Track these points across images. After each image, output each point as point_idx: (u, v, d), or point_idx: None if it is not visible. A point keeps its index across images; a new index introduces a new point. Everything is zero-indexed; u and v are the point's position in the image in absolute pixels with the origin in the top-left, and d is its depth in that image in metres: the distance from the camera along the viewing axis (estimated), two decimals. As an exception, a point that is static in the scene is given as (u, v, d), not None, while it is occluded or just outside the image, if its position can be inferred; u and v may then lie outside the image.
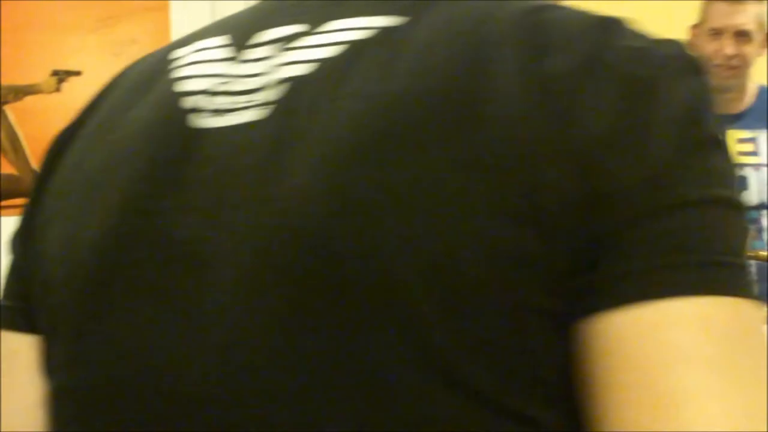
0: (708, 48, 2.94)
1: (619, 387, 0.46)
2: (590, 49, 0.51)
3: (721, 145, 0.52)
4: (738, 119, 3.06)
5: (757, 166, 3.05)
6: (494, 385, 0.47)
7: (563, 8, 0.56)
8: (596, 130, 0.48)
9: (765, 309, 1.41)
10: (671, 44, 0.54)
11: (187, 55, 0.59)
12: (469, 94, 0.49)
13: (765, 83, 3.08)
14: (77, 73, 3.09)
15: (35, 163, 3.02)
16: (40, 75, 3.11)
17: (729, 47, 2.88)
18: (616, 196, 0.48)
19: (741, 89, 3.00)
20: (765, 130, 3.07)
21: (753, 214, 3.06)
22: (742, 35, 2.90)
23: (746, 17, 2.94)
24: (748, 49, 2.91)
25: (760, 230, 3.04)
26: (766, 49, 2.99)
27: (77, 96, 2.87)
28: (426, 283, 0.46)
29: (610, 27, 0.53)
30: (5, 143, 3.07)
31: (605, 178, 0.48)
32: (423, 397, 0.46)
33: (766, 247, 2.94)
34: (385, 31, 0.54)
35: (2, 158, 3.01)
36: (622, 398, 0.46)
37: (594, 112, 0.49)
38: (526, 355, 0.47)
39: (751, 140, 3.07)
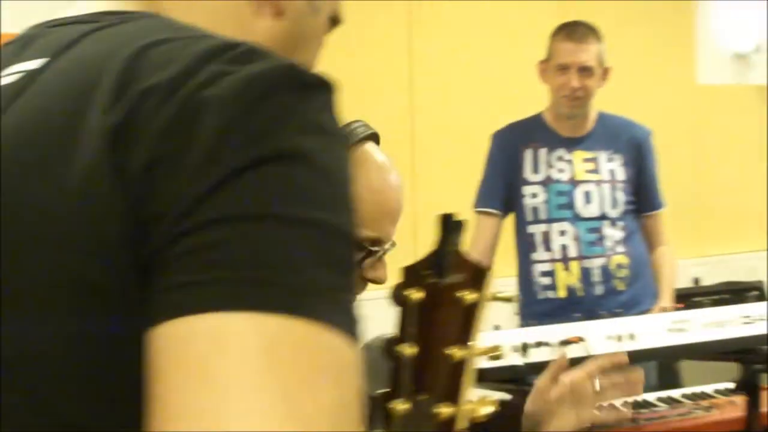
0: (556, 82, 3.32)
1: (151, 398, 0.50)
2: (169, 78, 0.54)
3: (293, 162, 0.54)
4: (582, 142, 3.43)
5: (598, 182, 3.39)
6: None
7: (188, 40, 0.59)
8: (143, 157, 0.52)
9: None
10: (265, 65, 0.56)
11: None
12: (62, 137, 0.56)
13: (604, 110, 3.52)
14: None
15: None
16: None
17: (574, 81, 3.25)
18: (157, 218, 0.52)
19: (584, 116, 3.38)
20: (603, 151, 3.45)
21: (594, 223, 3.44)
22: (585, 70, 3.28)
23: (588, 55, 3.32)
24: (590, 83, 3.30)
25: (600, 238, 3.42)
26: (605, 82, 3.40)
27: None
28: None
29: (212, 52, 0.56)
30: None
31: (148, 202, 0.52)
32: None
33: (604, 253, 3.41)
34: (29, 73, 0.62)
35: None
36: (151, 409, 0.50)
37: (146, 139, 0.52)
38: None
39: (593, 160, 3.42)
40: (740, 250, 5.43)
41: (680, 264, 4.97)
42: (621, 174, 3.40)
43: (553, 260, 3.37)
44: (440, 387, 0.83)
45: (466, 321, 0.83)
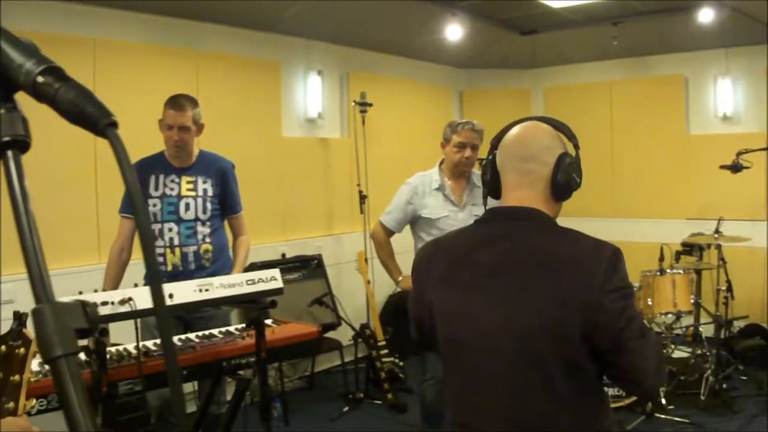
0: (165, 134, 4.04)
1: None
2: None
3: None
4: (187, 170, 4.19)
5: (195, 197, 4.14)
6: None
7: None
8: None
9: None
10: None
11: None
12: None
13: (206, 149, 4.31)
14: None
15: None
16: None
17: (175, 136, 4.02)
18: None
19: (189, 154, 4.16)
20: (200, 176, 4.19)
21: (190, 224, 4.14)
22: (183, 128, 4.04)
23: (185, 118, 4.04)
24: (187, 136, 4.07)
25: (195, 233, 4.14)
26: (201, 134, 4.17)
27: None
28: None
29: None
30: None
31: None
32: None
33: (197, 243, 4.10)
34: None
35: None
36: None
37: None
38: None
39: (193, 182, 4.17)
40: (311, 236, 7.00)
41: (272, 244, 6.40)
42: (210, 191, 4.22)
43: (164, 246, 4.14)
44: (9, 393, 1.30)
45: (21, 361, 1.32)
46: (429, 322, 2.07)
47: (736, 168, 6.19)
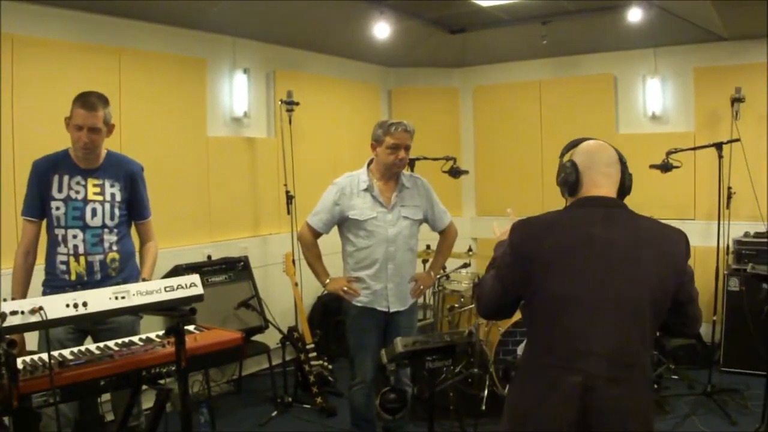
0: (75, 135, 3.88)
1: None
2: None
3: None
4: (93, 172, 4.04)
5: (102, 202, 4.02)
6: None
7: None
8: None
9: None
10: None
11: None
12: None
13: (112, 149, 4.13)
14: None
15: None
16: None
17: (84, 138, 3.86)
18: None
19: (96, 156, 3.99)
20: (108, 179, 4.06)
21: (97, 231, 4.01)
22: (93, 130, 3.87)
23: (96, 119, 3.88)
24: (97, 137, 3.91)
25: (101, 241, 4.00)
26: (111, 134, 3.99)
27: None
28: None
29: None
30: None
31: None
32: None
33: (103, 251, 3.94)
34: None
35: None
36: None
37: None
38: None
39: (101, 185, 4.04)
40: (237, 237, 6.96)
41: (197, 245, 6.40)
42: (119, 196, 4.08)
43: (68, 254, 3.98)
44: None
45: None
46: (535, 284, 2.57)
47: (665, 167, 6.27)
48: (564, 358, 2.51)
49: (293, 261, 6.35)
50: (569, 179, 2.73)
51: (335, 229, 4.74)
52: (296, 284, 6.35)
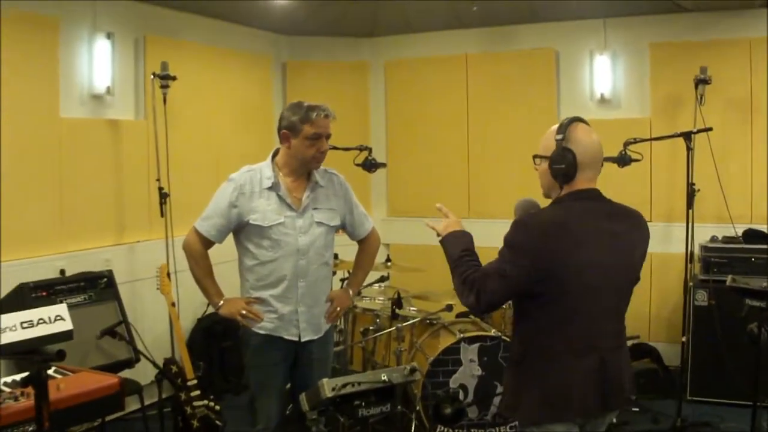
0: None
1: None
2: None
3: None
4: None
5: None
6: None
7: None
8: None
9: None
10: None
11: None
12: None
13: None
14: None
15: None
16: None
17: None
18: None
19: None
20: None
21: None
22: None
23: None
24: None
25: None
26: None
27: None
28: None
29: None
30: None
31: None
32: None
33: None
34: None
35: None
36: None
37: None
38: None
39: None
40: (98, 246, 6.86)
41: (47, 257, 6.33)
42: None
43: None
44: None
45: None
46: (555, 280, 3.26)
47: (623, 161, 6.28)
48: (583, 339, 3.35)
49: (168, 274, 6.26)
50: (570, 172, 3.38)
51: (231, 236, 4.73)
52: (173, 304, 6.24)
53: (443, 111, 8.81)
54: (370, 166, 6.57)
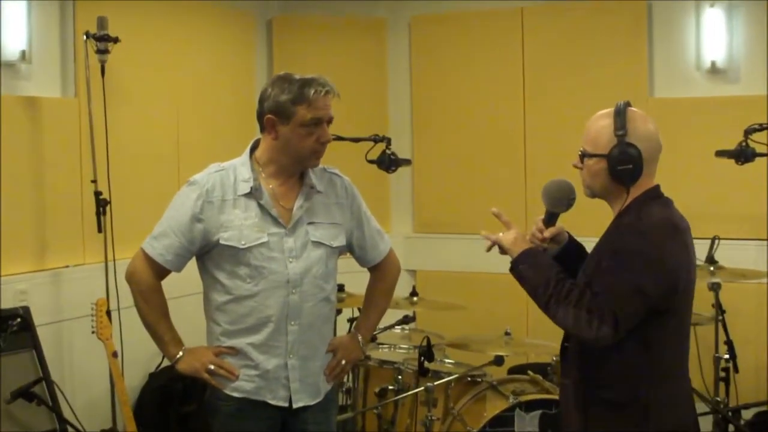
0: None
1: None
2: None
3: None
4: None
5: None
6: None
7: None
8: None
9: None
10: None
11: None
12: None
13: None
14: None
15: None
16: None
17: None
18: None
19: None
20: None
21: None
22: None
23: None
24: None
25: None
26: None
27: None
28: None
29: None
30: None
31: None
32: None
33: None
34: None
35: None
36: None
37: None
38: None
39: None
40: (10, 273, 6.76)
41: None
42: None
43: None
44: None
45: None
46: (681, 292, 3.78)
47: (744, 155, 6.18)
48: (685, 363, 3.92)
49: (109, 313, 6.29)
50: (636, 174, 3.81)
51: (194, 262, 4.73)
52: (115, 354, 6.27)
53: (490, 86, 8.79)
54: (388, 163, 6.45)
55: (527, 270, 3.87)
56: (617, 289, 3.69)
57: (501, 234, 4.01)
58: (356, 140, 6.31)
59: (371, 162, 6.39)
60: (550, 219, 4.12)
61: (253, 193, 4.51)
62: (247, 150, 4.64)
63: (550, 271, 3.85)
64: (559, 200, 4.06)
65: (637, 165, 3.77)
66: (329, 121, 4.54)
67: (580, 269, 3.95)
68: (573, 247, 4.23)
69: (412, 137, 9.19)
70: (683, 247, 3.82)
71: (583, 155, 3.88)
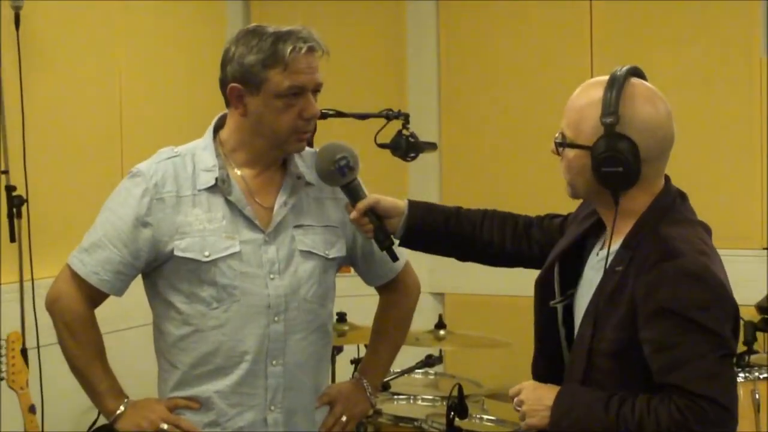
0: None
1: None
2: None
3: None
4: None
5: None
6: None
7: None
8: None
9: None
10: None
11: None
12: None
13: None
14: None
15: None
16: None
17: None
18: None
19: None
20: None
21: None
22: None
23: None
24: None
25: None
26: None
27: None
28: None
29: None
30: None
31: None
32: None
33: None
34: None
35: None
36: None
37: None
38: None
39: None
40: None
41: None
42: None
43: None
44: None
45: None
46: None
47: None
48: None
49: (25, 353, 6.40)
50: (629, 178, 3.75)
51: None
52: (32, 408, 6.33)
53: (550, 54, 8.99)
54: (406, 148, 6.37)
55: (572, 418, 3.71)
56: (704, 369, 3.60)
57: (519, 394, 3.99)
58: (362, 117, 6.25)
59: (382, 146, 6.34)
60: (349, 194, 4.36)
61: (220, 187, 4.47)
62: (210, 129, 4.61)
63: (606, 408, 3.65)
64: (329, 173, 4.26)
65: (631, 167, 3.67)
66: (316, 88, 4.46)
67: (581, 329, 3.95)
68: (420, 213, 4.58)
69: (438, 114, 9.32)
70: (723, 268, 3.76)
71: (560, 144, 3.86)
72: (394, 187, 8.70)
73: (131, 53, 8.27)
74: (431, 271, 8.85)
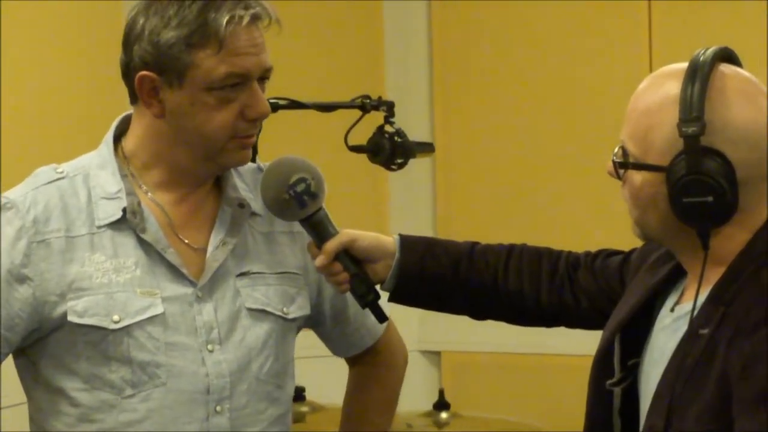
0: None
1: None
2: None
3: None
4: None
5: None
6: None
7: None
8: None
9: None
10: None
11: None
12: None
13: None
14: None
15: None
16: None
17: None
18: None
19: None
20: None
21: None
22: None
23: None
24: None
25: None
26: None
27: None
28: None
29: None
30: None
31: None
32: None
33: None
34: None
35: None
36: None
37: None
38: None
39: None
40: None
41: None
42: None
43: None
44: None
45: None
46: None
47: None
48: None
49: None
50: (724, 212, 3.43)
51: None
52: None
53: (613, 84, 9.16)
54: (391, 151, 6.24)
55: None
56: None
57: None
58: (328, 108, 6.17)
59: (356, 149, 6.19)
60: (312, 231, 4.13)
61: (129, 221, 4.26)
62: (108, 138, 4.37)
63: None
64: (281, 202, 4.03)
65: (725, 195, 3.36)
66: (264, 75, 4.26)
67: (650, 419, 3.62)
68: (418, 254, 4.30)
69: (431, 108, 9.37)
70: None
71: (621, 164, 3.54)
72: (369, 206, 8.70)
73: (10, 42, 8.18)
74: (422, 322, 8.98)
